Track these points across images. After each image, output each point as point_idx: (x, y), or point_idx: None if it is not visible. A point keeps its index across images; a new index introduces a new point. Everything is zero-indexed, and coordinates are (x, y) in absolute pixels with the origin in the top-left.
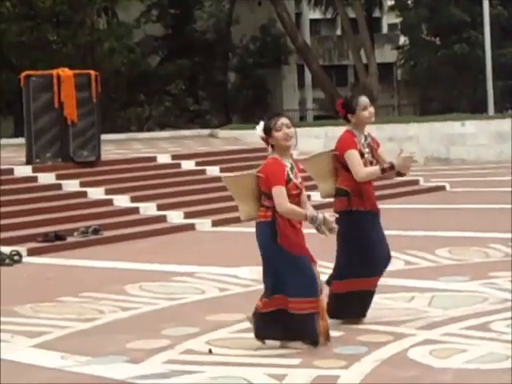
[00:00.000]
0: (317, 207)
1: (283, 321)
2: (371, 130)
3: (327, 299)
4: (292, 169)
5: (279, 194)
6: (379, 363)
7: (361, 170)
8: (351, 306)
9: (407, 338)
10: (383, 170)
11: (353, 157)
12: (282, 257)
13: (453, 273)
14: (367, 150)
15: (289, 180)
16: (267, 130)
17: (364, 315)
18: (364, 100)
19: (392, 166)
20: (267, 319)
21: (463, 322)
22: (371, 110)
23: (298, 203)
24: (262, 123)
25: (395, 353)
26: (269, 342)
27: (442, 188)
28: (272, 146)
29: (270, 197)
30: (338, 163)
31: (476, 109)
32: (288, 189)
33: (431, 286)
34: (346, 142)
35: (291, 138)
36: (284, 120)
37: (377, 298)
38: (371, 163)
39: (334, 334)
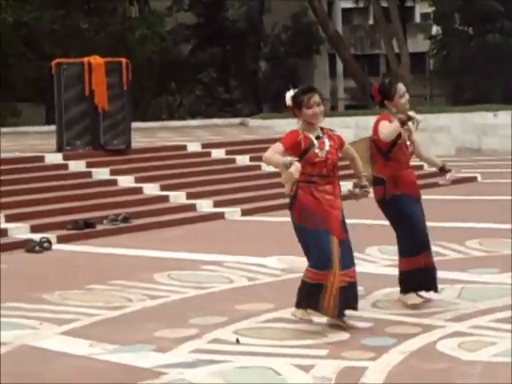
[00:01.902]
0: None
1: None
2: None
3: None
4: (318, 138)
5: (272, 147)
6: (407, 355)
7: (387, 129)
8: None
9: (436, 330)
10: (403, 122)
11: (381, 126)
12: (298, 231)
13: (483, 265)
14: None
15: (308, 149)
16: (298, 104)
17: (434, 290)
18: (402, 87)
19: (409, 117)
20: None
21: (492, 314)
22: (407, 97)
23: (330, 176)
24: (292, 93)
25: (423, 345)
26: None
27: (474, 179)
28: (296, 116)
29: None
30: (376, 149)
31: (509, 99)
32: (309, 157)
33: (461, 277)
34: (380, 122)
35: (319, 117)
36: (316, 98)
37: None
38: (407, 147)
39: (362, 325)
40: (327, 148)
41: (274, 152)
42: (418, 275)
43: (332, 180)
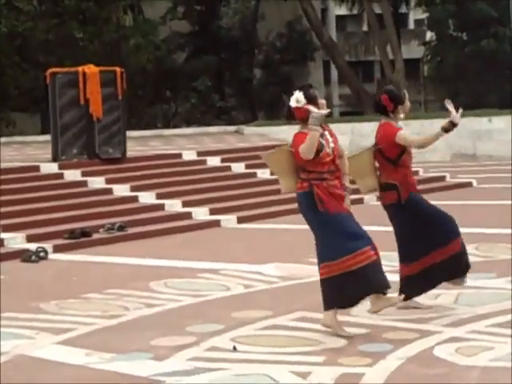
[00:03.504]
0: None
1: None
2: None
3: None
4: (323, 136)
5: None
6: (404, 361)
7: (426, 138)
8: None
9: (433, 335)
10: (446, 130)
11: (405, 135)
12: (325, 220)
13: (479, 270)
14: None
15: (320, 150)
16: (314, 99)
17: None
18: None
19: (452, 123)
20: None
21: (490, 319)
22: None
23: (336, 170)
24: (300, 92)
25: (421, 350)
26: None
27: (469, 184)
28: (301, 119)
29: (304, 169)
30: (382, 158)
31: (503, 104)
32: (322, 157)
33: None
34: (390, 130)
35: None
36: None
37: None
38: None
39: (358, 331)
40: (331, 144)
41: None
42: (436, 270)
43: (338, 174)
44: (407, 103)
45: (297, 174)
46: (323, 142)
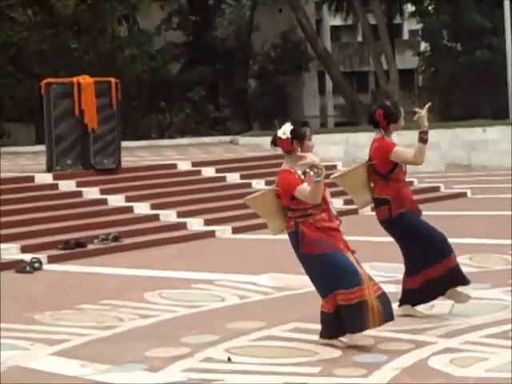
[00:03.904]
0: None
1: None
2: (393, 135)
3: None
4: (305, 173)
5: (301, 191)
6: (399, 372)
7: (414, 155)
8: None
9: (428, 346)
10: (422, 139)
11: (401, 151)
12: (310, 262)
13: (474, 280)
14: None
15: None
16: (301, 137)
17: (464, 283)
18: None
19: (423, 131)
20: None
21: (484, 330)
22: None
23: (323, 203)
24: (290, 126)
25: (415, 361)
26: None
27: (464, 195)
28: (288, 152)
29: (290, 208)
30: (374, 173)
31: (497, 115)
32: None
33: None
34: (385, 146)
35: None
36: (310, 132)
37: (396, 306)
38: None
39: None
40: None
41: (306, 190)
42: (433, 286)
43: (325, 207)
44: (401, 122)
45: (284, 213)
46: (303, 177)
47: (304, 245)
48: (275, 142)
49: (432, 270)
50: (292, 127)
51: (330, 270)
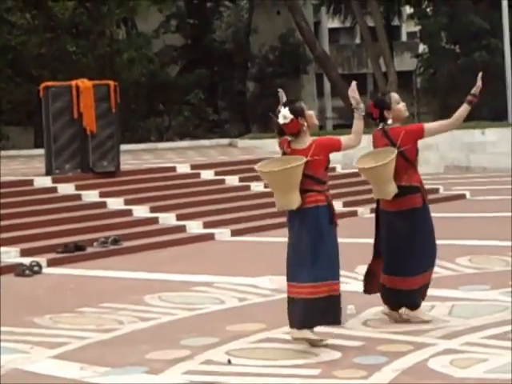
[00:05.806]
0: None
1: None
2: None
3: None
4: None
5: (344, 137)
6: (399, 373)
7: (454, 117)
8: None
9: (427, 347)
10: (469, 102)
11: (432, 124)
12: (334, 237)
13: (473, 282)
14: None
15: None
16: (301, 112)
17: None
18: (395, 95)
19: (473, 94)
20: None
21: (484, 331)
22: (404, 103)
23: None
24: (285, 109)
25: (415, 362)
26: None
27: (463, 196)
28: (297, 133)
29: (321, 181)
30: (404, 159)
31: (496, 117)
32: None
33: (451, 294)
34: (413, 129)
35: None
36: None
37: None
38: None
39: (353, 344)
40: None
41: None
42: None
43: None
44: (396, 107)
45: (301, 188)
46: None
47: (333, 216)
48: (282, 132)
49: (428, 274)
50: (287, 108)
51: (335, 255)
